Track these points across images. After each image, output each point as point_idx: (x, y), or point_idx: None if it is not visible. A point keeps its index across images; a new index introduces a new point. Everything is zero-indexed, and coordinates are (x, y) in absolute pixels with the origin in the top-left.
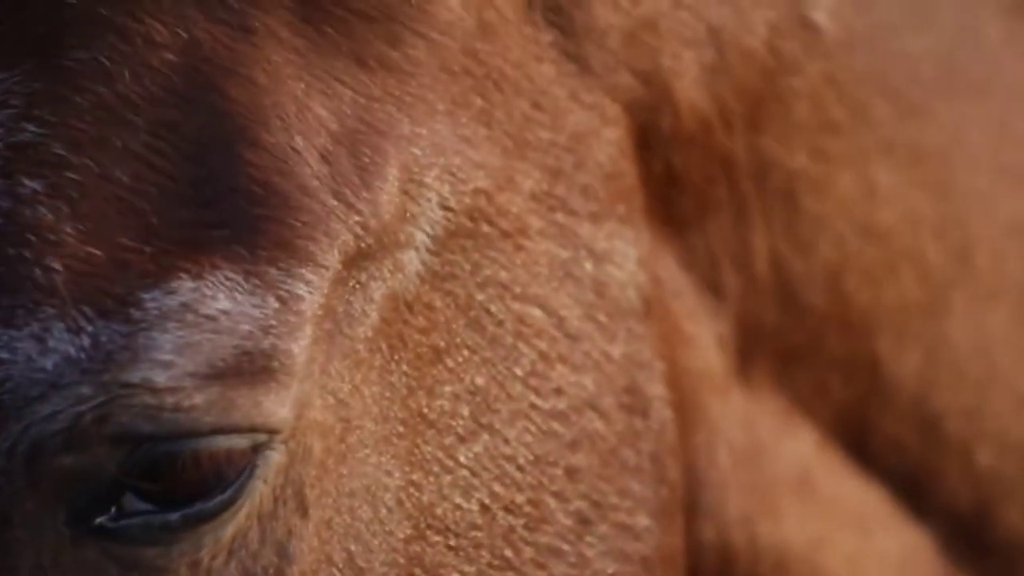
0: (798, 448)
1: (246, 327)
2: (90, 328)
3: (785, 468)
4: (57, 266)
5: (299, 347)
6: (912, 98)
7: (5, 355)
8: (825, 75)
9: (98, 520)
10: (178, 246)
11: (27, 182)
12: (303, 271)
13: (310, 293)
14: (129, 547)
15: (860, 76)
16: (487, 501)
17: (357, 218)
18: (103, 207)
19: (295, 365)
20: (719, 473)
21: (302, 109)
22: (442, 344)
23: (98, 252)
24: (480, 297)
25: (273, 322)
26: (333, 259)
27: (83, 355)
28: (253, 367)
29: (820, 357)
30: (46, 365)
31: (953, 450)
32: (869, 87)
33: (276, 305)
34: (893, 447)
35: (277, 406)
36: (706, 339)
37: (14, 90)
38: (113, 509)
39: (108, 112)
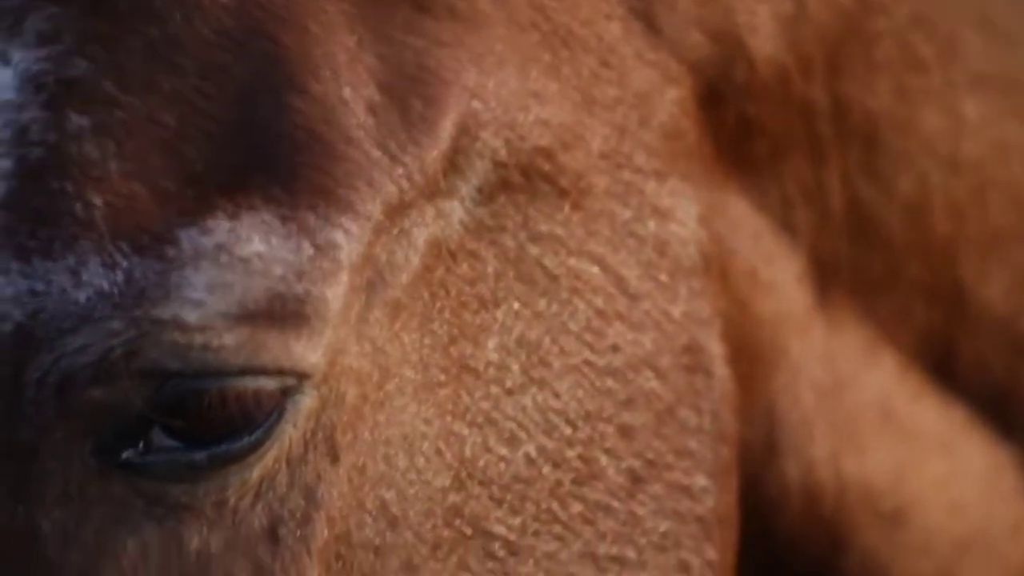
0: (879, 379)
1: (279, 271)
2: (125, 264)
3: (867, 400)
4: (98, 201)
5: (333, 294)
6: (1006, 26)
7: (40, 287)
8: (913, 14)
9: (125, 455)
10: (218, 188)
11: (75, 118)
12: (342, 220)
13: (348, 242)
14: (155, 483)
15: (951, 10)
16: (534, 454)
17: (402, 170)
18: (147, 148)
19: (328, 312)
20: (802, 412)
21: (353, 60)
22: (488, 295)
23: (139, 190)
24: (533, 251)
25: (307, 268)
26: (375, 209)
27: (116, 290)
28: (284, 311)
29: (901, 286)
30: (79, 298)
31: None
32: (961, 21)
33: (311, 252)
34: (979, 369)
35: (308, 351)
36: (785, 280)
37: (67, 26)
38: (140, 445)
39: (158, 53)
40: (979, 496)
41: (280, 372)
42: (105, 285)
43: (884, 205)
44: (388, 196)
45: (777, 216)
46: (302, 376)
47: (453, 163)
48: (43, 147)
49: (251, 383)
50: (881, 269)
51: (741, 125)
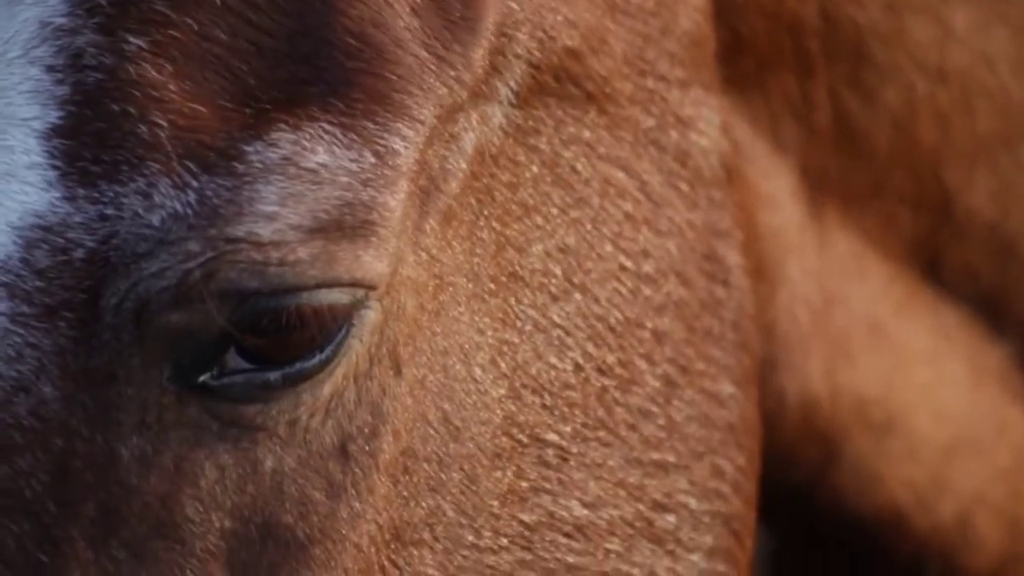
0: (867, 292)
1: (345, 179)
2: (195, 183)
3: (856, 315)
4: (162, 122)
5: (396, 201)
6: None
7: (111, 211)
8: None
9: (201, 378)
10: (276, 102)
11: (132, 39)
12: (399, 125)
13: (406, 147)
14: (230, 404)
15: None
16: (581, 361)
17: (451, 72)
18: (203, 65)
19: (392, 219)
20: (799, 329)
21: None
22: (530, 201)
23: (200, 109)
24: (566, 155)
25: (371, 175)
26: (428, 113)
27: (189, 211)
28: (354, 220)
29: (887, 195)
30: (153, 221)
31: None
32: None
33: (373, 159)
34: (967, 272)
35: (376, 260)
36: (781, 195)
37: None
38: (216, 368)
39: None
40: (964, 401)
41: (353, 284)
42: (178, 206)
43: (870, 117)
44: (440, 98)
45: (768, 132)
46: (371, 287)
47: (494, 64)
48: (100, 71)
49: (326, 297)
50: (867, 180)
51: (733, 41)
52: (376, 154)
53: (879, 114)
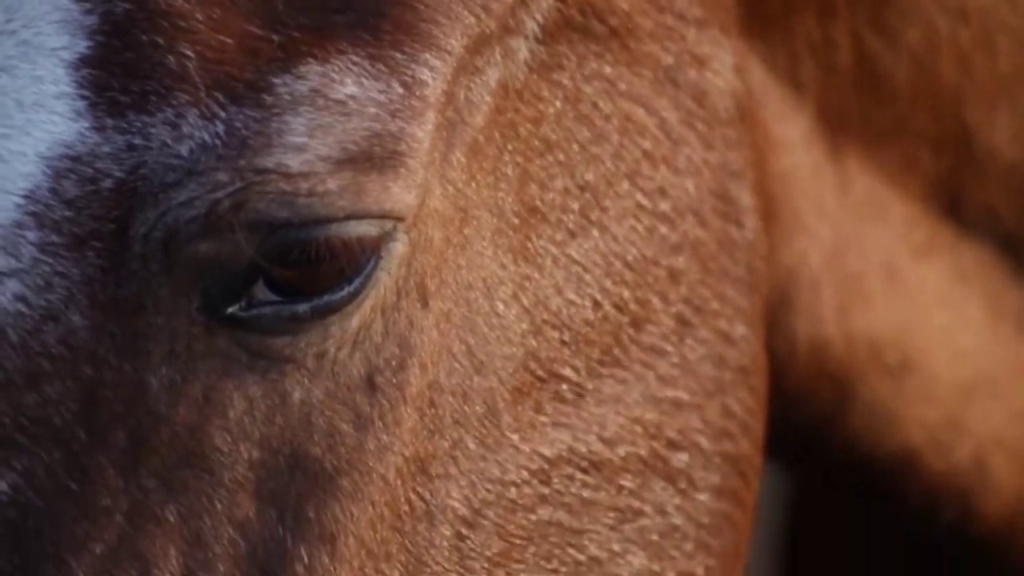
0: (886, 235)
1: (373, 110)
2: (223, 114)
3: (873, 258)
4: (189, 52)
5: (424, 132)
6: None
7: (138, 141)
8: None
9: (230, 309)
10: (304, 32)
11: None
12: (426, 55)
13: (433, 78)
14: (259, 336)
15: None
16: (599, 297)
17: (479, 0)
18: None
19: (421, 150)
20: (811, 270)
21: None
22: (552, 136)
23: (228, 39)
24: (588, 91)
25: (399, 106)
26: (456, 43)
27: (218, 142)
28: (383, 151)
29: (908, 135)
30: (181, 151)
31: None
32: None
33: (401, 90)
34: (989, 212)
35: (404, 192)
36: (794, 137)
37: None
38: (244, 300)
39: None
40: (982, 343)
41: (382, 215)
42: (206, 137)
43: (892, 57)
44: (468, 28)
45: (785, 73)
46: (399, 219)
47: None
48: (128, 1)
49: (355, 229)
50: (888, 120)
51: None
52: (404, 84)
53: (900, 54)
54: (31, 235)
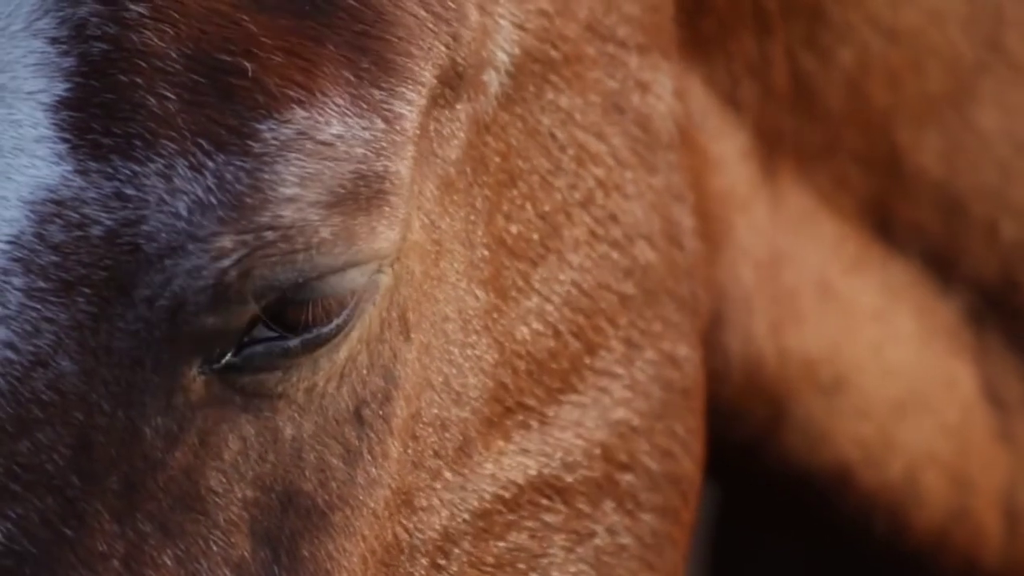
0: (817, 251)
1: (360, 150)
2: (210, 164)
3: (805, 275)
4: (169, 93)
5: (405, 167)
6: None
7: (131, 191)
8: None
9: (224, 359)
10: (284, 69)
11: (131, 6)
12: (403, 89)
13: (410, 111)
14: (252, 375)
15: None
16: (559, 326)
17: (447, 29)
18: (205, 32)
19: (403, 186)
20: (743, 288)
21: None
22: (517, 169)
23: (203, 80)
24: (546, 121)
25: (383, 143)
26: (428, 76)
27: (213, 200)
28: (369, 191)
29: (839, 154)
30: (180, 210)
31: (978, 227)
32: None
33: (383, 126)
34: (917, 229)
35: (388, 230)
36: (731, 156)
37: None
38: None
39: None
40: (913, 358)
41: (372, 258)
42: (200, 192)
43: (825, 76)
44: (439, 59)
45: (723, 92)
46: (385, 258)
47: (485, 27)
48: (105, 41)
49: (350, 282)
50: (821, 139)
51: (694, 3)
52: (384, 120)
53: (833, 73)
54: (17, 280)
